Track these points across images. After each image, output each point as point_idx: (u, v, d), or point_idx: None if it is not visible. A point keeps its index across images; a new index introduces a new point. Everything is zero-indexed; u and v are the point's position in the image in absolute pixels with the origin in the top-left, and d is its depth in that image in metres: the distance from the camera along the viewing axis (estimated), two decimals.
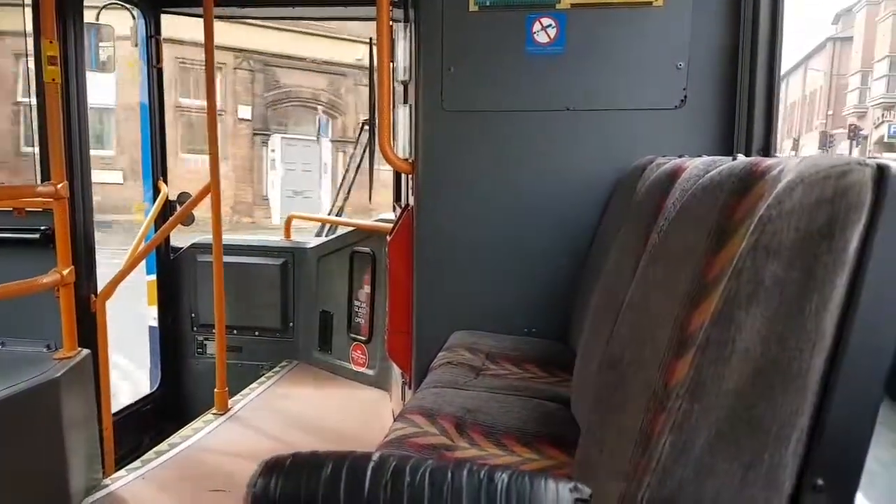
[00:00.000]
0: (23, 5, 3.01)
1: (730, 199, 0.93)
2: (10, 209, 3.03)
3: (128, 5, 3.71)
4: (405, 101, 2.70)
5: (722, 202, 0.95)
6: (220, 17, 3.30)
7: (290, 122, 19.12)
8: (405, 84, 2.69)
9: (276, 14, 4.46)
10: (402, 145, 2.66)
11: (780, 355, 0.75)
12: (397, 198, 3.44)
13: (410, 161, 2.57)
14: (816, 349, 0.74)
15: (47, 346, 2.63)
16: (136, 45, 3.82)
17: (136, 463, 2.75)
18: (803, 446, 0.76)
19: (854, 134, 31.26)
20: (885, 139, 29.88)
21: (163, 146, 3.97)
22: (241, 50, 17.07)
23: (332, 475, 0.72)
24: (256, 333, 4.05)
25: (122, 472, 2.69)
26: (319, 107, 19.13)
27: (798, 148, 39.85)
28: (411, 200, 2.62)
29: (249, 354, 4.02)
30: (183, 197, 3.85)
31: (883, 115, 31.16)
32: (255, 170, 18.57)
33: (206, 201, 3.30)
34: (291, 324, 4.07)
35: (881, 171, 0.72)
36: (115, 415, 3.13)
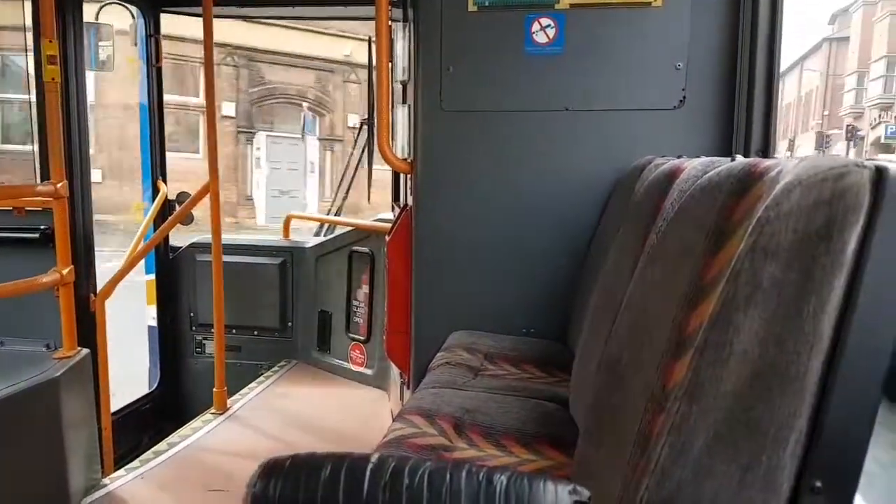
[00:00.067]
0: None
1: (728, 200, 0.93)
2: (10, 208, 3.03)
3: (127, 4, 3.71)
4: (404, 101, 2.70)
5: (720, 203, 0.95)
6: (220, 17, 3.30)
7: (276, 119, 18.63)
8: (404, 84, 2.69)
9: (276, 14, 4.47)
10: (401, 145, 2.66)
11: (777, 357, 0.75)
12: (396, 198, 3.44)
13: (409, 161, 2.58)
14: (814, 351, 0.74)
15: (47, 345, 2.63)
16: (136, 44, 3.82)
17: (135, 462, 2.75)
18: (801, 448, 0.76)
19: (851, 135, 31.28)
20: (883, 140, 29.88)
21: (162, 145, 3.97)
22: (225, 45, 16.44)
23: (330, 476, 0.72)
24: (255, 333, 4.05)
25: (121, 471, 2.69)
26: (304, 103, 18.61)
27: (794, 149, 39.89)
28: (410, 200, 2.62)
29: (248, 354, 4.02)
30: (182, 196, 3.85)
31: (880, 115, 31.18)
32: (239, 169, 17.89)
33: (204, 201, 3.30)
34: (290, 323, 4.07)
35: (879, 172, 0.72)
36: (114, 414, 3.13)
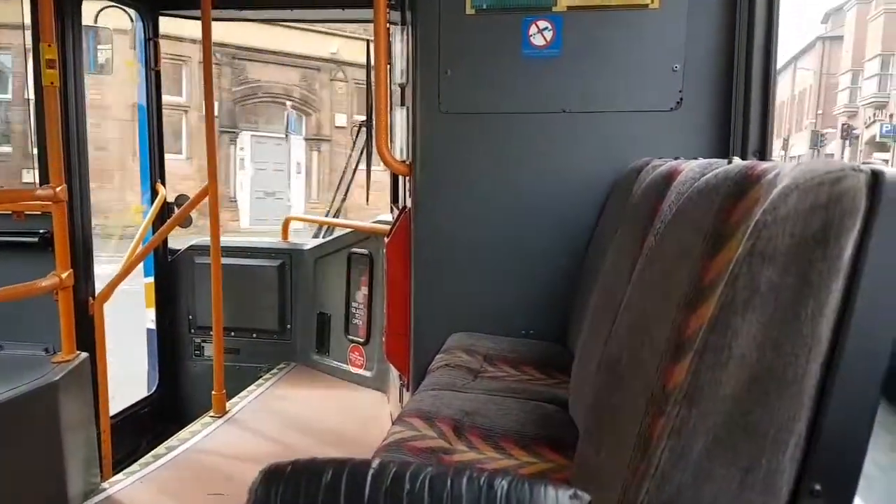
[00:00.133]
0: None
1: (725, 203, 0.94)
2: (10, 212, 3.02)
3: (126, 8, 3.71)
4: (402, 104, 2.71)
5: (718, 206, 0.95)
6: (218, 20, 3.30)
7: (260, 119, 18.17)
8: (402, 87, 2.69)
9: (274, 16, 4.47)
10: (400, 147, 2.66)
11: (776, 361, 0.75)
12: (395, 200, 3.44)
13: (408, 163, 2.58)
14: (812, 354, 0.75)
15: (45, 349, 2.63)
16: (134, 48, 3.82)
17: (134, 466, 2.75)
18: (801, 451, 0.76)
19: (847, 133, 31.31)
20: (877, 138, 29.88)
21: (160, 148, 3.97)
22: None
23: (331, 482, 0.73)
24: (254, 335, 4.05)
25: (119, 475, 2.69)
26: (288, 102, 18.13)
27: (787, 148, 39.92)
28: (409, 202, 2.63)
29: (247, 356, 4.02)
30: (181, 199, 3.85)
31: (874, 114, 31.18)
32: (222, 170, 17.13)
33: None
34: (289, 326, 4.07)
35: (875, 177, 0.73)
36: (112, 418, 3.13)
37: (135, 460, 2.85)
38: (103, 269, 3.62)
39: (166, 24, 3.86)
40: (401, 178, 3.09)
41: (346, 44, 17.36)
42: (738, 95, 2.31)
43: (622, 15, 2.37)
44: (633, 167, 2.06)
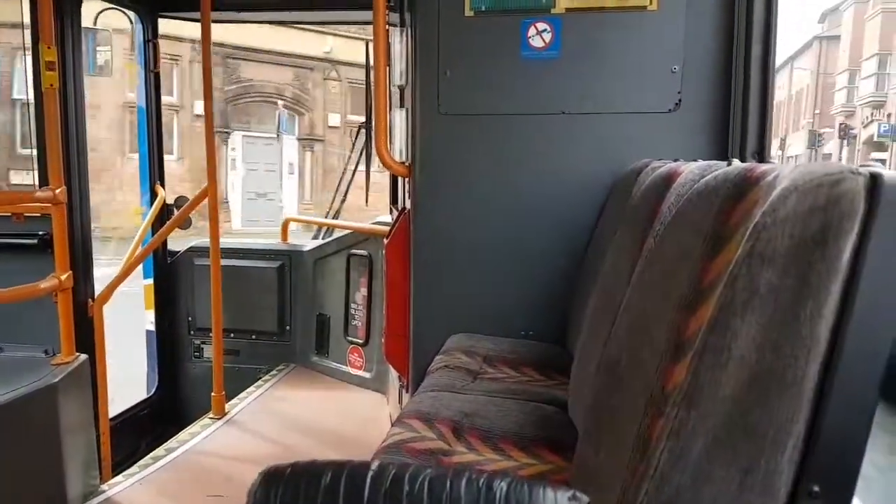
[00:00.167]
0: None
1: (725, 205, 0.94)
2: (9, 214, 3.02)
3: (125, 10, 3.71)
4: (402, 105, 2.71)
5: (717, 208, 0.95)
6: (218, 21, 3.30)
7: (252, 119, 17.85)
8: (401, 88, 2.70)
9: (273, 18, 4.46)
10: (399, 148, 2.67)
11: (775, 362, 0.76)
12: (394, 201, 3.45)
13: (407, 164, 2.58)
14: (811, 356, 0.75)
15: (45, 351, 2.63)
16: (133, 50, 3.83)
17: (134, 468, 2.75)
18: (799, 452, 0.76)
19: (845, 133, 31.29)
20: (875, 138, 29.87)
21: (160, 150, 3.97)
22: (197, 41, 15.68)
23: (330, 484, 0.73)
24: (253, 337, 4.05)
25: (119, 477, 2.69)
26: (280, 101, 17.86)
27: (784, 147, 39.93)
28: (408, 203, 2.63)
29: (246, 358, 4.02)
30: (180, 201, 3.85)
31: (872, 113, 31.16)
32: None
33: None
34: (288, 327, 4.07)
35: (874, 179, 0.73)
36: (112, 420, 3.13)
37: (134, 462, 2.84)
38: (103, 272, 3.61)
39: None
40: (400, 180, 3.10)
41: (340, 43, 17.16)
42: (736, 97, 2.31)
43: (620, 17, 2.37)
44: (633, 169, 2.06)
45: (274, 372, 3.95)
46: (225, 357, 3.37)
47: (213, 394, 3.28)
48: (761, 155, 2.26)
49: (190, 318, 4.05)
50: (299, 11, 3.85)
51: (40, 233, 2.99)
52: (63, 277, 2.37)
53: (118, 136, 15.52)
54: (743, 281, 0.78)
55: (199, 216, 3.73)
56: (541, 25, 2.41)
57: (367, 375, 3.78)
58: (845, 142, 31.57)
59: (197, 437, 3.04)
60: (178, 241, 4.14)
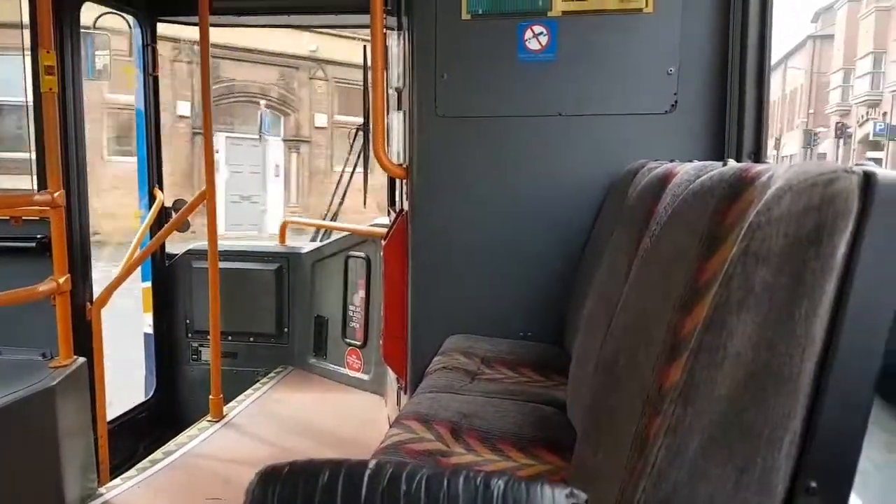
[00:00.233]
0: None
1: (720, 205, 0.94)
2: (7, 217, 3.02)
3: (124, 14, 3.72)
4: (399, 108, 2.72)
5: (713, 208, 0.96)
6: (216, 25, 3.31)
7: (236, 119, 17.28)
8: (399, 91, 2.70)
9: (270, 22, 4.47)
10: (396, 151, 2.67)
11: (770, 360, 0.76)
12: (391, 203, 3.45)
13: (404, 166, 2.59)
14: (807, 353, 0.75)
15: (43, 354, 2.63)
16: (131, 55, 3.83)
17: (132, 471, 2.74)
18: (796, 449, 0.77)
19: (840, 132, 31.34)
20: (871, 137, 29.89)
21: (158, 154, 3.97)
22: (178, 40, 14.46)
23: (328, 483, 0.73)
24: (251, 339, 4.05)
25: (117, 480, 2.68)
26: (262, 101, 17.26)
27: (780, 147, 39.98)
28: (405, 205, 2.63)
29: (244, 360, 4.02)
30: (178, 204, 3.85)
31: (867, 112, 31.19)
32: (195, 173, 15.80)
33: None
34: (286, 329, 4.07)
35: (867, 178, 0.74)
36: (110, 423, 3.12)
37: (132, 465, 2.84)
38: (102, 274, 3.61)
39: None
40: (397, 182, 3.10)
41: (326, 41, 16.76)
42: (732, 98, 2.32)
43: (617, 19, 2.38)
44: (629, 170, 2.07)
45: (272, 374, 3.95)
46: (223, 360, 3.37)
47: (211, 396, 3.28)
48: (757, 155, 2.27)
49: (188, 321, 4.05)
50: (296, 15, 3.85)
51: (39, 236, 2.99)
52: (61, 280, 2.37)
53: (95, 137, 15.23)
54: (738, 280, 0.78)
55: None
56: (537, 28, 2.42)
57: (366, 377, 3.78)
58: (841, 141, 31.62)
59: (195, 440, 3.04)
60: (177, 244, 4.14)
